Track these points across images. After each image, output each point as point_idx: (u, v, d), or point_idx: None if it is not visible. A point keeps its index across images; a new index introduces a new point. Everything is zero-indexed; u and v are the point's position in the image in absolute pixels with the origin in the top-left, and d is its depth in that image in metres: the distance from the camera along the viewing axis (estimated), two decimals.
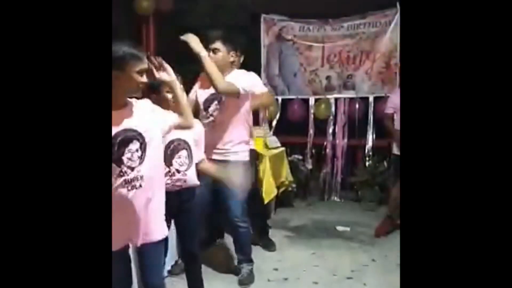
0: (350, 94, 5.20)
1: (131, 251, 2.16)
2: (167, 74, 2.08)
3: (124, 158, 1.93)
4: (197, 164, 2.53)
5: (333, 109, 5.28)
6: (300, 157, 5.27)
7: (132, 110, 1.98)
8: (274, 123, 5.31)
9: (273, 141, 4.60)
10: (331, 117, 5.31)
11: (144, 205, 1.99)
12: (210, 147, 2.80)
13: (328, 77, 5.21)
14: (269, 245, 3.68)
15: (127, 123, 1.94)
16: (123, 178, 1.93)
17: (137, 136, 1.96)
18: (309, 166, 5.32)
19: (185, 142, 2.43)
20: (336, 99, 5.27)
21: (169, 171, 2.37)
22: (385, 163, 4.95)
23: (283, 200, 4.73)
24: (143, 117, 2.00)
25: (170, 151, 2.39)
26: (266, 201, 3.97)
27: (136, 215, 1.98)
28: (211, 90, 2.84)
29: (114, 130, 1.90)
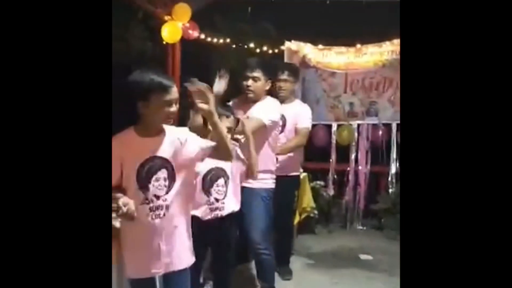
0: (373, 120, 5.19)
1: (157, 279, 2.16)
2: (205, 104, 1.89)
3: (151, 186, 1.93)
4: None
5: (355, 135, 5.27)
6: (322, 183, 5.25)
7: (164, 138, 1.97)
8: None
9: None
10: (354, 143, 5.29)
11: (168, 234, 1.98)
12: None
13: (351, 104, 5.21)
14: (285, 273, 3.61)
15: (157, 151, 1.93)
16: (148, 206, 1.92)
17: (166, 164, 1.96)
18: (331, 193, 5.28)
19: (222, 169, 2.43)
20: (358, 125, 5.26)
21: (208, 200, 2.38)
22: None
23: (304, 226, 4.69)
24: (174, 145, 1.99)
25: (209, 180, 2.40)
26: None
27: (160, 244, 1.96)
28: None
29: (143, 157, 1.92)
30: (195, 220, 2.19)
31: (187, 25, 4.64)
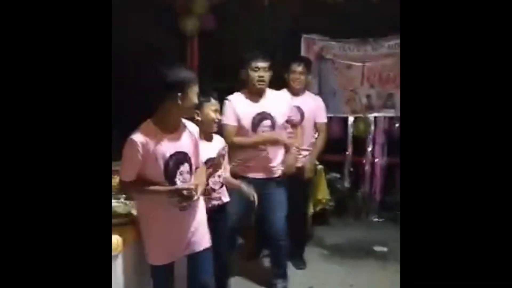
0: (390, 113, 5.18)
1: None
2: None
3: (177, 180, 2.02)
4: (224, 178, 2.61)
5: (372, 127, 5.27)
6: (338, 175, 5.27)
7: (183, 133, 2.07)
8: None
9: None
10: (370, 136, 5.30)
11: (191, 221, 2.11)
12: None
13: (368, 96, 5.21)
14: (299, 263, 3.67)
15: (179, 146, 2.03)
16: (176, 198, 2.01)
17: (187, 158, 2.06)
18: (347, 185, 5.30)
19: (214, 160, 2.50)
20: (375, 118, 5.26)
21: (206, 190, 2.44)
22: None
23: (320, 218, 4.73)
24: (191, 140, 2.10)
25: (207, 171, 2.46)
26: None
27: (185, 231, 2.10)
28: (257, 109, 2.92)
29: (169, 151, 1.99)
30: None
31: (205, 17, 4.67)
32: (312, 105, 3.63)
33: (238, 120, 2.90)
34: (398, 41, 4.97)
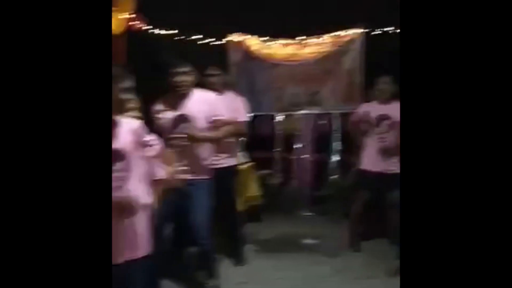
0: (316, 110, 5.37)
1: None
2: None
3: None
4: None
5: (300, 124, 5.44)
6: (268, 171, 5.39)
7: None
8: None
9: (242, 156, 4.67)
10: (298, 133, 5.46)
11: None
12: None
13: (294, 94, 5.37)
14: (237, 260, 3.71)
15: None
16: None
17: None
18: (278, 181, 5.43)
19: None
20: (303, 115, 5.43)
21: None
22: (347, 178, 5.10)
23: (251, 214, 4.79)
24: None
25: None
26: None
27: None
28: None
29: None
30: None
31: (133, 16, 4.58)
32: (232, 105, 3.55)
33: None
34: (321, 41, 5.18)
